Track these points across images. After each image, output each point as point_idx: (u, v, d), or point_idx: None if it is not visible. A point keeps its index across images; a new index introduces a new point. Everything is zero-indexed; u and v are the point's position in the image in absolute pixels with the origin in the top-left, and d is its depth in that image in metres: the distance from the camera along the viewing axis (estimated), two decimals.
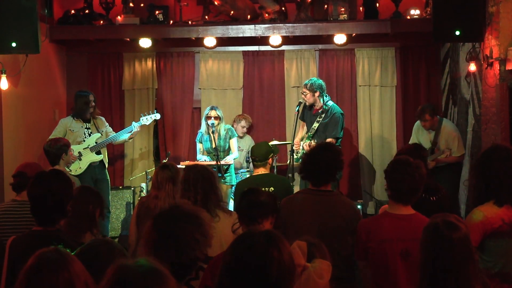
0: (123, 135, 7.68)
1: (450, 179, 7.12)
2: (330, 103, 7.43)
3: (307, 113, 7.52)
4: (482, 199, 3.61)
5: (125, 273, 1.97)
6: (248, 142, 8.50)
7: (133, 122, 7.71)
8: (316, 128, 7.34)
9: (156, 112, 8.08)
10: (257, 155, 5.63)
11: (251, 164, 8.27)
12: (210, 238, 2.94)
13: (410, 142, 7.63)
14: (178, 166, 6.98)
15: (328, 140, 7.10)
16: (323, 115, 7.34)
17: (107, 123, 7.82)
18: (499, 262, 3.54)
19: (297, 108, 7.40)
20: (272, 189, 5.39)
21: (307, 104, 7.41)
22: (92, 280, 2.26)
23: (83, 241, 3.68)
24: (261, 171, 5.64)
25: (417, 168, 3.66)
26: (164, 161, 7.69)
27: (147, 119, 7.80)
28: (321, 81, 7.42)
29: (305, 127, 7.65)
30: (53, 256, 2.20)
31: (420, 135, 7.56)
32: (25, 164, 4.88)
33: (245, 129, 8.44)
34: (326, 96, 7.41)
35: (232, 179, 7.42)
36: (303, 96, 7.40)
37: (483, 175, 3.61)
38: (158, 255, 2.73)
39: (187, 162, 7.15)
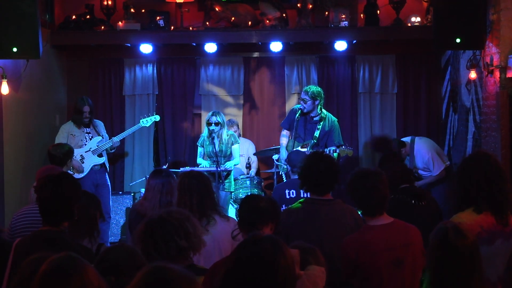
0: (109, 144, 7.74)
1: (442, 192, 7.24)
2: (324, 111, 7.44)
3: (301, 120, 7.49)
4: (462, 206, 3.60)
5: (161, 273, 1.99)
6: (246, 146, 8.45)
7: (113, 138, 7.79)
8: (317, 136, 7.34)
9: (156, 114, 8.16)
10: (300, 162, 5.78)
11: (251, 170, 8.27)
12: (200, 239, 2.97)
13: None
14: (178, 171, 7.04)
15: (331, 148, 7.15)
16: (321, 123, 7.34)
17: (104, 130, 7.91)
18: None
19: (297, 115, 7.40)
20: None
21: (304, 111, 7.40)
22: (106, 285, 2.27)
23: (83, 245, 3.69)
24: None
25: (376, 176, 3.68)
26: (164, 166, 7.70)
27: (147, 121, 7.96)
28: (320, 89, 7.42)
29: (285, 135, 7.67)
30: (66, 261, 2.20)
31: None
32: (47, 168, 4.89)
33: (236, 133, 8.34)
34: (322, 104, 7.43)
35: (231, 185, 7.41)
36: (301, 103, 7.38)
37: (463, 182, 3.60)
38: (146, 244, 2.82)
39: (187, 168, 7.15)
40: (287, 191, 5.51)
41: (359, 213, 4.07)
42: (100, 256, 2.81)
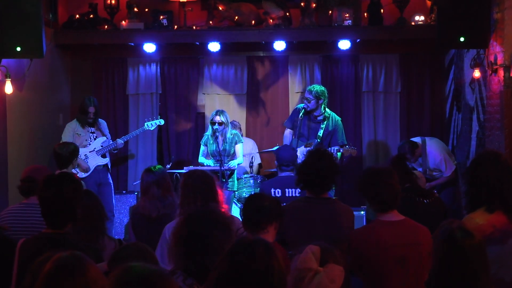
0: (113, 145, 7.77)
1: (451, 192, 7.24)
2: (328, 110, 7.44)
3: (304, 119, 7.48)
4: (474, 205, 3.59)
5: (131, 273, 1.98)
6: (250, 146, 8.44)
7: (117, 139, 7.81)
8: (321, 135, 7.33)
9: (160, 118, 8.18)
10: (286, 160, 5.80)
11: (254, 169, 8.25)
12: None
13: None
14: (182, 171, 7.05)
15: (335, 147, 7.14)
16: (325, 122, 7.34)
17: (107, 129, 7.91)
18: (492, 268, 3.52)
19: (300, 114, 7.39)
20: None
21: (307, 110, 7.39)
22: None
23: (96, 245, 3.70)
24: (287, 173, 5.83)
25: (388, 173, 3.69)
26: (168, 166, 7.70)
27: (152, 125, 7.97)
28: (324, 88, 7.42)
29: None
30: (70, 260, 2.21)
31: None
32: (34, 168, 4.87)
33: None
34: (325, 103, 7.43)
35: (235, 185, 7.41)
36: (305, 102, 7.38)
37: (473, 182, 3.60)
38: (186, 253, 2.79)
39: (191, 167, 7.15)
40: (272, 190, 5.54)
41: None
42: (112, 254, 2.81)
